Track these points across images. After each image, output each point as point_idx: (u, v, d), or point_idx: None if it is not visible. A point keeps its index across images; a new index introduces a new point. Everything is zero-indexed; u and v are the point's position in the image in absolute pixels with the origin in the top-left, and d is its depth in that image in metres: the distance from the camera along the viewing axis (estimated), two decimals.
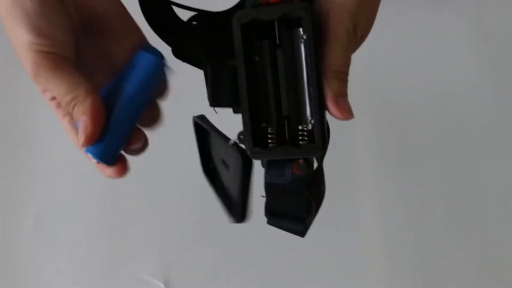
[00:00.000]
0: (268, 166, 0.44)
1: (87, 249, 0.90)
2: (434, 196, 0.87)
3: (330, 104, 0.41)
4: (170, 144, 0.84)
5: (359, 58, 0.83)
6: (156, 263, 0.90)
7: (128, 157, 0.85)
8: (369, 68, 0.85)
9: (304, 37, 0.41)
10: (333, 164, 0.84)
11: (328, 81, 0.42)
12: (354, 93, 0.83)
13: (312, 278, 0.88)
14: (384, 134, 0.87)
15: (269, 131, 0.43)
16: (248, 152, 0.43)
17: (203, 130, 0.52)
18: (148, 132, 0.49)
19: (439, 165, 0.87)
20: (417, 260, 0.87)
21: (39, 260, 0.91)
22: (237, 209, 0.49)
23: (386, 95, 0.86)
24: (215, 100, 0.43)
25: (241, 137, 0.44)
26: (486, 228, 0.87)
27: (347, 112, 0.42)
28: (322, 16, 0.42)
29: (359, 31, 0.43)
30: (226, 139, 0.46)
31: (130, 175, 0.86)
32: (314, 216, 0.49)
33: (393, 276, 0.87)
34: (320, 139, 0.42)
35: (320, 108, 0.41)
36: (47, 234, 0.91)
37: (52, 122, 0.87)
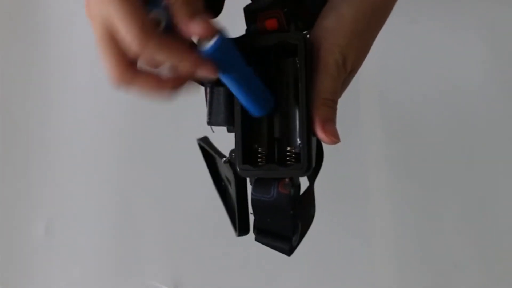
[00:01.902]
0: (256, 184, 0.47)
1: (98, 255, 0.91)
2: (445, 203, 0.86)
3: (318, 129, 0.44)
4: (183, 153, 0.85)
5: (371, 65, 0.85)
6: (167, 270, 0.90)
7: (138, 165, 0.87)
8: (381, 75, 0.86)
9: (298, 64, 0.45)
10: (342, 172, 0.86)
11: (317, 107, 0.45)
12: (366, 100, 0.86)
13: (321, 285, 0.88)
14: (395, 140, 0.87)
15: (259, 151, 0.46)
16: (238, 169, 0.46)
17: (207, 151, 0.56)
18: None
19: (450, 172, 0.86)
20: (426, 268, 0.86)
21: (50, 266, 0.92)
22: (235, 223, 0.52)
23: (398, 101, 0.87)
24: (211, 119, 0.47)
25: (233, 155, 0.47)
26: (498, 236, 0.86)
27: (333, 137, 0.44)
28: (315, 47, 0.46)
29: (348, 64, 0.46)
30: (221, 156, 0.50)
31: (141, 181, 0.91)
32: (301, 237, 0.51)
33: (402, 284, 0.86)
34: (305, 160, 0.44)
35: (307, 131, 0.44)
36: (58, 241, 0.92)
37: (64, 126, 0.92)
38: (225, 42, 0.40)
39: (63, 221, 0.92)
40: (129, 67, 0.41)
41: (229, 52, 0.41)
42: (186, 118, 0.87)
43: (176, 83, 0.43)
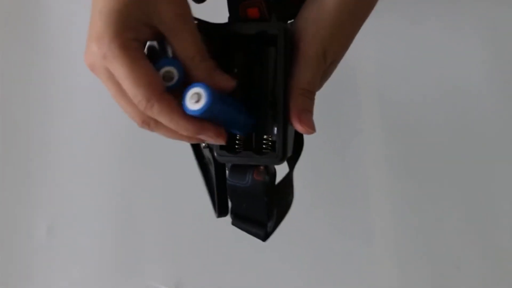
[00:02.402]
0: (232, 170, 0.48)
1: (99, 255, 0.92)
2: (445, 204, 0.86)
3: (293, 118, 0.45)
4: (183, 154, 0.86)
5: (372, 65, 0.85)
6: (168, 270, 0.91)
7: (139, 166, 0.87)
8: (381, 75, 0.86)
9: (277, 54, 0.45)
10: (342, 172, 0.86)
11: (294, 97, 0.45)
12: (367, 100, 0.86)
13: (322, 286, 0.89)
14: (395, 141, 0.87)
15: (237, 138, 0.47)
16: (215, 154, 0.47)
17: None
18: None
19: (451, 172, 0.86)
20: (428, 269, 0.86)
21: (52, 267, 0.92)
22: (214, 204, 0.53)
23: (398, 102, 0.86)
24: None
25: None
26: (499, 236, 0.86)
27: (308, 127, 0.45)
28: (295, 38, 0.46)
29: (329, 56, 0.46)
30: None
31: (142, 182, 0.91)
32: (277, 224, 0.52)
33: (403, 286, 0.87)
34: (280, 149, 0.45)
35: (284, 120, 0.45)
36: (59, 241, 0.93)
37: (65, 127, 0.93)
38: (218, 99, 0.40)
39: (65, 222, 0.92)
40: (149, 116, 0.41)
41: (222, 106, 0.42)
42: None
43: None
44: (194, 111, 0.39)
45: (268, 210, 0.49)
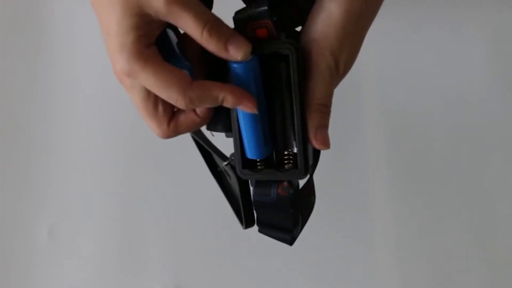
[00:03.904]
0: (256, 185, 0.49)
1: (101, 258, 0.92)
2: (447, 209, 0.87)
3: (311, 135, 0.46)
4: (184, 158, 0.87)
5: (374, 71, 0.85)
6: (169, 273, 0.92)
7: (140, 168, 0.86)
8: (383, 82, 0.86)
9: (290, 72, 0.45)
10: (345, 178, 0.87)
11: (310, 113, 0.46)
12: (369, 106, 0.86)
13: None
14: (397, 147, 0.88)
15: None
16: (238, 173, 0.48)
17: (200, 144, 0.57)
18: None
19: (453, 177, 0.87)
20: (429, 273, 0.88)
21: (53, 270, 0.93)
22: (241, 217, 0.55)
23: (400, 108, 0.86)
24: (210, 125, 0.49)
25: (233, 158, 0.49)
26: (501, 241, 0.87)
27: (323, 144, 0.46)
28: (306, 51, 0.46)
29: (341, 67, 0.46)
30: (223, 158, 0.51)
31: (143, 185, 0.92)
32: (302, 227, 0.54)
33: None
34: (302, 165, 0.46)
35: (303, 137, 0.46)
36: (61, 244, 0.93)
37: (67, 130, 0.92)
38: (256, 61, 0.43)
39: (66, 225, 0.93)
40: (170, 124, 0.46)
41: (257, 73, 0.44)
42: None
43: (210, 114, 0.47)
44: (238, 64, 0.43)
45: (294, 218, 0.51)
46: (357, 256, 0.89)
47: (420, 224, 0.88)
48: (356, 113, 0.86)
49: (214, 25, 0.43)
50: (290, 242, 0.53)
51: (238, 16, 0.45)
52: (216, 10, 0.49)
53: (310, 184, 0.53)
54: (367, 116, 0.87)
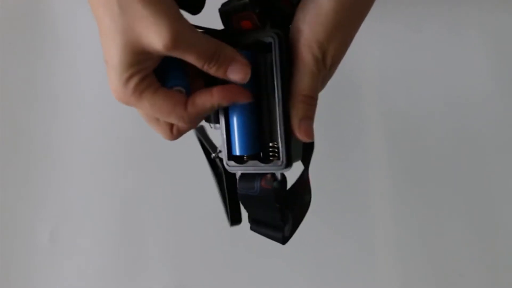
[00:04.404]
0: (241, 179, 0.49)
1: (102, 262, 0.93)
2: (449, 213, 0.85)
3: (294, 126, 0.45)
4: (185, 162, 0.88)
5: (375, 73, 0.83)
6: (171, 277, 0.92)
7: (141, 172, 0.87)
8: (384, 83, 0.84)
9: (274, 62, 0.45)
10: (346, 181, 0.86)
11: (294, 104, 0.45)
12: (370, 108, 0.85)
13: None
14: (398, 149, 0.86)
15: None
16: (225, 165, 0.48)
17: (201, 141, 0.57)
18: None
19: (455, 180, 0.85)
20: (431, 277, 0.86)
21: (54, 273, 0.94)
22: (227, 214, 0.54)
23: (401, 110, 0.85)
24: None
25: (221, 150, 0.49)
26: (503, 246, 0.85)
27: (306, 136, 0.45)
28: (293, 43, 0.45)
29: (328, 59, 0.45)
30: (209, 153, 0.52)
31: (144, 188, 0.93)
32: (295, 226, 0.52)
33: None
34: (284, 157, 0.45)
35: (285, 128, 0.45)
36: (62, 248, 0.94)
37: (68, 134, 0.94)
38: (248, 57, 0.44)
39: (67, 227, 0.94)
40: (176, 130, 0.47)
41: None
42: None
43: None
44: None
45: (282, 215, 0.49)
46: (357, 256, 0.87)
47: (422, 228, 0.86)
48: (356, 114, 0.85)
49: (214, 58, 0.43)
50: (282, 240, 0.52)
51: (224, 8, 0.45)
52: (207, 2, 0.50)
53: (303, 181, 0.52)
54: (367, 117, 0.85)
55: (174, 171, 0.91)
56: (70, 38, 0.93)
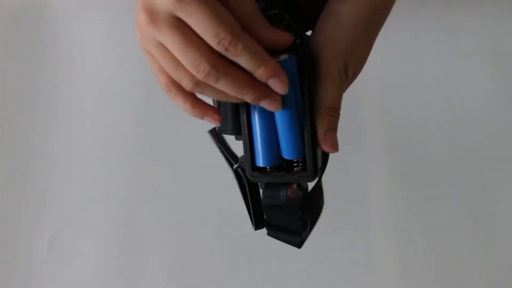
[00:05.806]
0: (265, 189, 0.49)
1: (101, 268, 0.92)
2: (448, 218, 0.87)
3: (320, 138, 0.46)
4: (186, 165, 0.87)
5: (374, 80, 0.85)
6: (171, 282, 0.92)
7: (141, 176, 0.85)
8: (383, 91, 0.86)
9: (299, 75, 0.46)
10: (345, 185, 0.87)
11: (320, 117, 0.46)
12: (369, 116, 0.87)
13: None
14: (397, 156, 0.88)
15: None
16: (248, 175, 0.48)
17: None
18: None
19: (454, 186, 0.87)
20: (430, 285, 0.88)
21: (53, 280, 0.92)
22: (251, 219, 0.55)
23: (401, 117, 0.87)
24: (220, 128, 0.49)
25: (242, 160, 0.49)
26: (501, 254, 0.87)
27: (332, 148, 0.46)
28: (315, 54, 0.46)
29: (350, 70, 0.47)
30: (230, 162, 0.52)
31: (144, 194, 0.92)
32: (311, 229, 0.54)
33: None
34: (311, 168, 0.46)
35: (311, 140, 0.46)
36: (61, 255, 0.93)
37: (67, 139, 0.91)
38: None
39: (66, 235, 0.92)
40: (196, 100, 0.44)
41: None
42: (189, 128, 0.86)
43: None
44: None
45: (302, 221, 0.51)
46: (356, 260, 0.89)
47: (420, 235, 0.88)
48: (356, 121, 0.86)
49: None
50: (299, 245, 0.53)
51: None
52: None
53: (318, 187, 0.54)
54: (367, 124, 0.86)
55: (173, 177, 0.90)
56: (70, 38, 0.90)
